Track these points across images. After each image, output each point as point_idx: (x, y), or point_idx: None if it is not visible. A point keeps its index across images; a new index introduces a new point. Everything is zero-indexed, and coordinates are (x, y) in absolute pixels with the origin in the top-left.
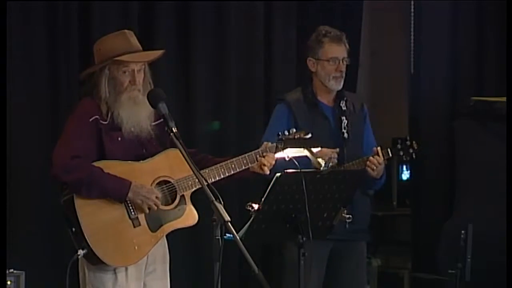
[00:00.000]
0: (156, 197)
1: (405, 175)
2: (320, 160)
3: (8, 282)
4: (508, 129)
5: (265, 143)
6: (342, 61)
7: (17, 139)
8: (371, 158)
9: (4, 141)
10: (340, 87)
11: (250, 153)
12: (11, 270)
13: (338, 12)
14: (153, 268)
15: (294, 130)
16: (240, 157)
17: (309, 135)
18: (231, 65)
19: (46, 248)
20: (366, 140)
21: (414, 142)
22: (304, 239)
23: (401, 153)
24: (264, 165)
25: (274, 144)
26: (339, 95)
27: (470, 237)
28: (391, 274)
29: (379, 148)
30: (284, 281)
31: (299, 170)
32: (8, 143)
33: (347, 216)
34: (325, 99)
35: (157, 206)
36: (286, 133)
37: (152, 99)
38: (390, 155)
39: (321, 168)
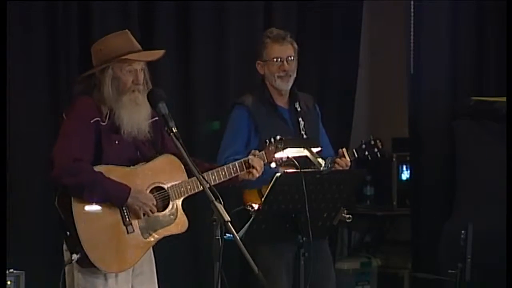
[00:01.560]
0: (153, 204)
1: (405, 175)
2: (320, 160)
3: (8, 282)
4: (508, 129)
5: (253, 150)
6: (286, 60)
7: (17, 139)
8: (338, 160)
9: (4, 141)
10: (288, 87)
11: (239, 160)
12: (11, 270)
13: (338, 12)
14: (140, 270)
15: (279, 137)
16: (230, 164)
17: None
18: (231, 65)
19: (46, 248)
20: (321, 139)
21: (378, 141)
22: (304, 239)
23: (366, 152)
24: (254, 168)
25: (262, 152)
26: (293, 97)
27: (470, 237)
28: (391, 274)
29: (344, 149)
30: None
31: (299, 170)
32: (8, 143)
33: (347, 216)
34: (281, 102)
35: (153, 213)
36: (273, 140)
37: (152, 99)
38: (356, 155)
39: (321, 168)
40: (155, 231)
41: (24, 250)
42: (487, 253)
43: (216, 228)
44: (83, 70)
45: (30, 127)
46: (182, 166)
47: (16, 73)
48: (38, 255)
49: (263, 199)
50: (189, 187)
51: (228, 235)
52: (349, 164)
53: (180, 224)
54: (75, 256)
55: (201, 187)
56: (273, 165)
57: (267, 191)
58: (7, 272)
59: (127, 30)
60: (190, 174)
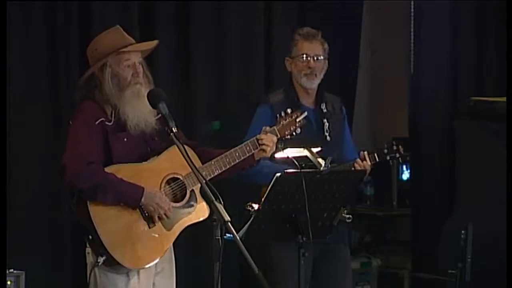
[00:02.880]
0: (168, 208)
1: (405, 175)
2: (320, 160)
3: (8, 282)
4: (508, 129)
5: (263, 127)
6: (313, 59)
7: (17, 139)
8: (358, 161)
9: (4, 141)
10: (313, 85)
11: (251, 139)
12: (11, 270)
13: (338, 12)
14: (162, 267)
15: (290, 110)
16: (242, 145)
17: (305, 114)
18: (231, 65)
19: (46, 248)
20: (347, 141)
21: (400, 146)
22: (304, 239)
23: (388, 157)
24: (266, 145)
25: (274, 127)
26: (320, 97)
27: (470, 237)
28: (391, 274)
29: (366, 152)
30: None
31: (299, 170)
32: (8, 143)
33: (347, 216)
34: (307, 101)
35: (167, 216)
36: (283, 113)
37: (152, 99)
38: (377, 159)
39: (321, 168)
40: (177, 222)
41: (24, 250)
42: (487, 253)
43: (216, 228)
44: (83, 70)
45: (30, 127)
46: (194, 154)
47: (16, 73)
48: (38, 255)
49: (263, 199)
50: (204, 173)
51: (228, 235)
52: (367, 168)
53: (201, 211)
54: (100, 259)
55: (216, 172)
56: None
57: (267, 191)
58: (7, 272)
59: (118, 26)
60: (203, 161)
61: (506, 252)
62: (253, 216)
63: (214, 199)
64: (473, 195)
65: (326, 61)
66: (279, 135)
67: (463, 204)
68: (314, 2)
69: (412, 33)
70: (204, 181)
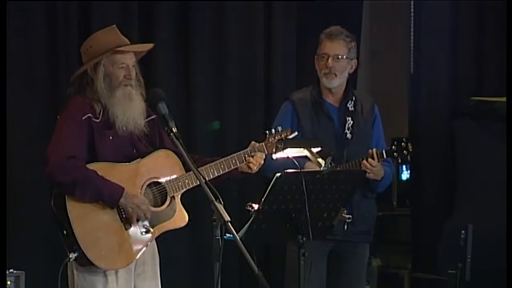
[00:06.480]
0: (147, 209)
1: (405, 175)
2: (320, 160)
3: (8, 282)
4: (508, 129)
5: (252, 142)
6: (333, 58)
7: (17, 139)
8: (364, 162)
9: (4, 140)
10: (332, 85)
11: (238, 153)
12: (11, 270)
13: (338, 12)
14: (142, 269)
15: (280, 129)
16: (229, 157)
17: (295, 134)
18: (231, 65)
19: (46, 248)
20: (375, 142)
21: (409, 144)
22: (304, 239)
23: (396, 154)
24: (252, 163)
25: (262, 144)
26: (346, 95)
27: (470, 237)
28: (391, 274)
29: (374, 150)
30: (285, 281)
31: (299, 170)
32: (8, 143)
33: (347, 216)
34: (331, 99)
35: (146, 217)
36: (273, 131)
37: (152, 99)
38: (385, 156)
39: (321, 168)
40: (154, 226)
41: (24, 250)
42: (487, 253)
43: (216, 228)
44: None
45: (30, 127)
46: (179, 161)
47: (16, 73)
48: (38, 255)
49: (263, 199)
50: (186, 181)
51: (228, 235)
52: (374, 164)
53: (179, 219)
54: (72, 255)
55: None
56: (274, 156)
57: (267, 191)
58: (7, 272)
59: (114, 25)
60: (188, 169)
61: (506, 252)
62: (253, 216)
63: (214, 199)
64: (473, 195)
65: (352, 60)
66: (267, 152)
67: (463, 204)
68: (314, 2)
69: (412, 33)
70: (201, 178)
